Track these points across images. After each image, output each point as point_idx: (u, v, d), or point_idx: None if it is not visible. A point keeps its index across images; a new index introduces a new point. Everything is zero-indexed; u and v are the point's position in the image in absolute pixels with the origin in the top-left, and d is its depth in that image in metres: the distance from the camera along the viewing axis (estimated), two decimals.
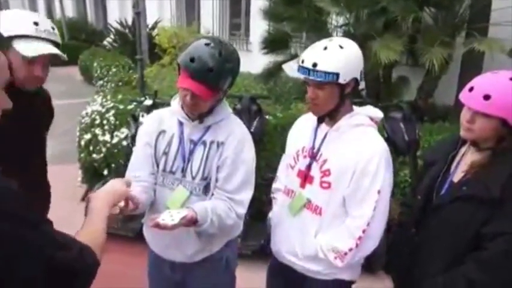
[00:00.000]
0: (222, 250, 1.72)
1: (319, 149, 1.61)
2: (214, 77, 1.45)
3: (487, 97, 1.32)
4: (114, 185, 1.30)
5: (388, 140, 3.04)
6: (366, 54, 4.61)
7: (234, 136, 1.60)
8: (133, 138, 3.02)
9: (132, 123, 3.27)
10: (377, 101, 4.30)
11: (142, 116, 3.12)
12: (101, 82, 8.02)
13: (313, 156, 1.61)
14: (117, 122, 3.81)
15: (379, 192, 1.49)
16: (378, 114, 1.62)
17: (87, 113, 4.10)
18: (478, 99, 1.33)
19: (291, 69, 5.47)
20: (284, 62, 5.38)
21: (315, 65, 1.44)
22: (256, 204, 2.20)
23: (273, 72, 5.56)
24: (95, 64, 9.04)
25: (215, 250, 1.71)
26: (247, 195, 1.63)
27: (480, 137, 1.40)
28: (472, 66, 4.42)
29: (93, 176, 3.99)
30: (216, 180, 1.60)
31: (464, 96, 1.39)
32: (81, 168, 4.13)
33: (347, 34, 5.10)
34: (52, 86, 2.04)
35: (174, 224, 1.40)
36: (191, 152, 1.60)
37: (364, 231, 1.50)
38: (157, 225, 1.40)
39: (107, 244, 1.08)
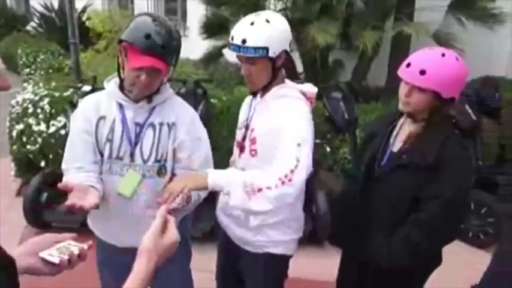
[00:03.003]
0: (177, 226, 1.74)
1: (250, 120, 1.67)
2: (168, 52, 1.45)
3: (422, 72, 1.44)
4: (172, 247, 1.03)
5: (329, 119, 3.21)
6: (304, 38, 4.78)
7: (185, 116, 1.61)
8: None
9: (70, 110, 3.13)
10: (315, 83, 4.47)
11: None
12: (27, 70, 7.50)
13: (246, 127, 1.68)
14: (53, 111, 3.62)
15: (299, 144, 1.46)
16: (312, 89, 1.66)
17: (17, 102, 3.83)
18: (415, 74, 1.46)
19: (231, 54, 5.50)
20: (224, 46, 5.37)
21: (244, 41, 1.46)
22: None
23: (214, 57, 5.55)
24: (19, 51, 8.39)
25: None
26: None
27: (416, 109, 1.53)
28: (401, 49, 4.72)
29: (29, 168, 3.77)
30: (178, 161, 1.60)
31: (402, 71, 1.51)
32: (14, 161, 3.88)
33: (285, 18, 5.21)
34: None
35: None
36: (138, 135, 1.57)
37: (286, 176, 1.41)
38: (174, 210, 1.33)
39: None
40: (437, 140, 1.50)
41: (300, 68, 5.39)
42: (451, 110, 1.57)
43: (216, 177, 1.41)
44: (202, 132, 1.66)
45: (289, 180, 1.40)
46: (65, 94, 3.69)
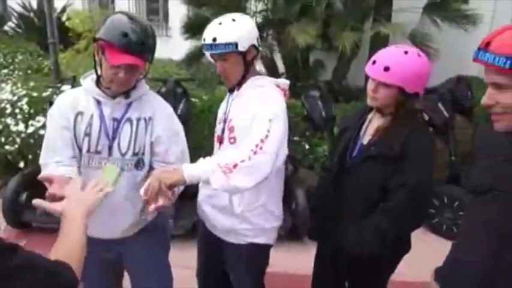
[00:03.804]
0: (156, 218, 1.78)
1: (228, 113, 1.74)
2: (145, 50, 1.51)
3: (386, 69, 1.53)
4: (83, 194, 1.22)
5: (307, 117, 3.28)
6: (284, 39, 4.82)
7: (162, 111, 1.67)
8: None
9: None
10: (295, 83, 4.54)
11: None
12: (5, 71, 7.35)
13: (225, 120, 1.74)
14: (32, 111, 3.60)
15: (270, 120, 1.50)
16: (285, 81, 1.75)
17: None
18: (380, 70, 1.54)
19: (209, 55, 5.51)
20: None
21: (214, 39, 1.58)
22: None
23: (196, 57, 5.56)
24: None
25: (150, 219, 1.76)
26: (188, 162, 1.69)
27: (383, 104, 1.61)
28: (379, 49, 4.80)
29: (7, 169, 3.74)
30: (155, 154, 1.65)
31: (368, 68, 1.60)
32: None
33: (265, 19, 5.27)
34: None
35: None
36: (115, 130, 1.61)
37: (257, 146, 1.45)
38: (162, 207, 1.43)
39: (34, 238, 1.01)
40: (404, 132, 1.57)
41: (282, 68, 5.47)
42: (417, 105, 1.65)
43: (191, 170, 1.45)
44: (179, 128, 1.71)
45: (260, 148, 1.43)
46: (44, 94, 3.68)
